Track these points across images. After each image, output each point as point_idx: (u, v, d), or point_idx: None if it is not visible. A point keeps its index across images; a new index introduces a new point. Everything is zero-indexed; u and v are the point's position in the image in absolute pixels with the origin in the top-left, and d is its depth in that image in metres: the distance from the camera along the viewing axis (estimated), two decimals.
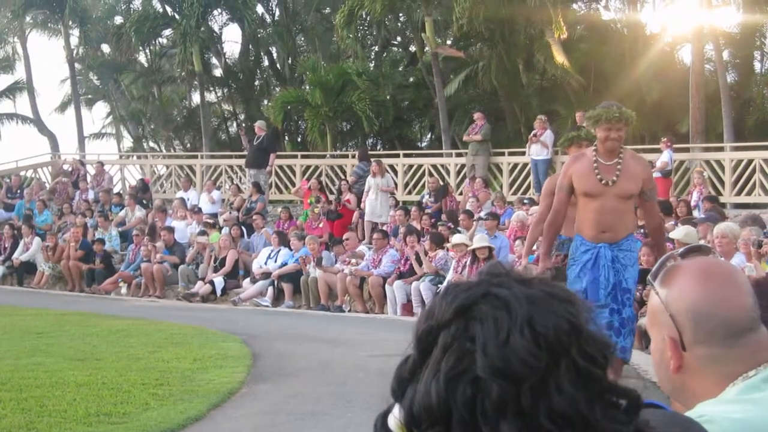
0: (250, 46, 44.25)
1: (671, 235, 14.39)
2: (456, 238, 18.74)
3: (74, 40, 47.22)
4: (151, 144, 49.08)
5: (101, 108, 52.37)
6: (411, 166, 28.89)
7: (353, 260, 20.44)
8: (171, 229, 24.22)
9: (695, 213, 20.22)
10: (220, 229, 24.05)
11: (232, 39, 74.55)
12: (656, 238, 10.51)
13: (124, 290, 23.60)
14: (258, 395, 10.90)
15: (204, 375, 11.74)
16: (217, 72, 45.52)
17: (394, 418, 1.46)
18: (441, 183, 26.22)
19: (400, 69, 42.23)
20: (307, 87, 37.26)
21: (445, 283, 14.92)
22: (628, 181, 9.58)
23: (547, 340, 1.42)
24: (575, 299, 1.50)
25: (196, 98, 45.42)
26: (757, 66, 36.99)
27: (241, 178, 29.70)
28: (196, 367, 12.30)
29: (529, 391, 1.40)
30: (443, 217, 22.74)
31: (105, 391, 10.60)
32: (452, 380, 1.41)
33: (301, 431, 9.26)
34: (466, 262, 17.91)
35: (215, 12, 40.55)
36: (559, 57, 30.77)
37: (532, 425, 1.39)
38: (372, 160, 25.94)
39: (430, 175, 27.47)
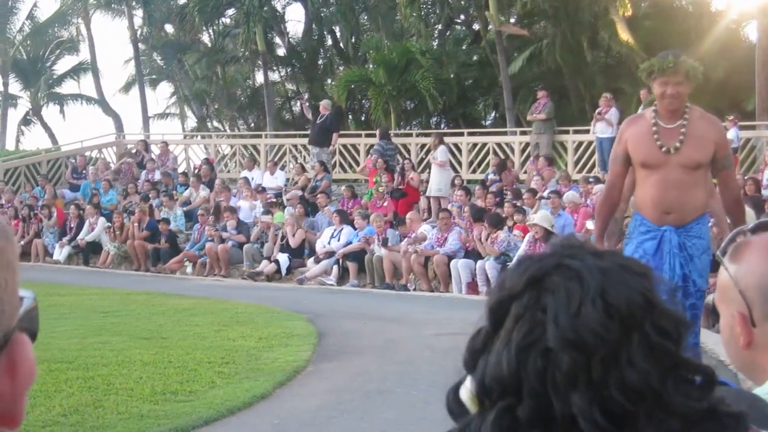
0: (314, 25, 44.27)
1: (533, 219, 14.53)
2: (538, 218, 18.50)
3: (138, 21, 47.61)
4: (215, 124, 49.31)
5: (165, 88, 52.80)
6: (475, 145, 28.73)
7: (418, 247, 20.33)
8: (235, 209, 24.29)
9: (765, 192, 19.97)
10: (284, 208, 24.07)
11: (295, 18, 74.85)
12: (734, 214, 8.34)
13: (189, 269, 23.71)
14: (323, 374, 10.91)
15: (269, 353, 11.76)
16: (281, 51, 45.56)
17: (466, 389, 1.44)
18: (501, 158, 26.23)
19: (464, 47, 42.08)
20: (371, 66, 37.20)
21: (515, 257, 14.85)
22: (694, 148, 7.85)
23: (619, 312, 1.41)
24: (649, 273, 1.48)
25: (259, 78, 45.56)
26: None
27: (305, 157, 29.70)
28: (261, 345, 12.32)
29: (600, 364, 1.38)
30: (507, 194, 22.64)
31: (171, 370, 10.65)
32: (523, 351, 1.39)
33: (367, 409, 9.25)
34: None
35: None
36: (624, 34, 30.52)
37: (603, 397, 1.37)
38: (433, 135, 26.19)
39: (494, 153, 27.35)
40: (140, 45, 47.90)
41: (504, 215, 20.13)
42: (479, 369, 1.42)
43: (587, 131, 26.63)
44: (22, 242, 26.01)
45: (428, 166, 25.70)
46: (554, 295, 1.42)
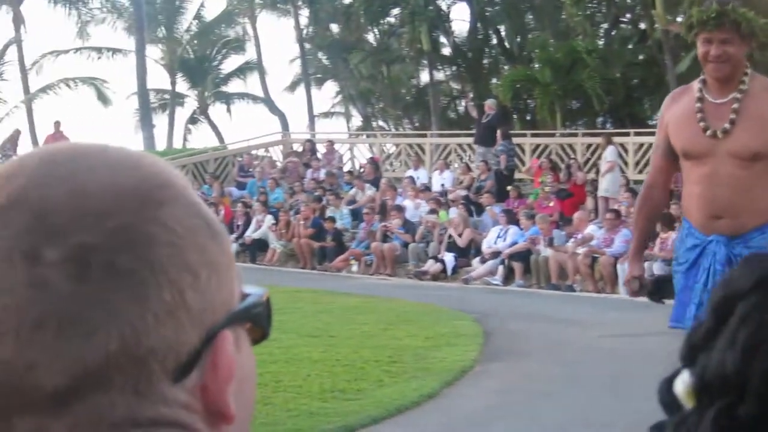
0: (479, 24, 44.17)
1: None
2: None
3: (303, 20, 48.08)
4: (380, 123, 49.56)
5: (330, 87, 53.12)
6: (641, 145, 28.32)
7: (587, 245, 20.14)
8: (402, 208, 24.38)
9: None
10: (449, 207, 24.08)
11: (460, 17, 74.80)
12: None
13: (354, 268, 23.88)
14: (490, 374, 10.89)
15: (437, 353, 11.78)
16: (446, 50, 45.56)
17: (683, 383, 1.40)
18: None
19: (630, 46, 41.51)
20: (536, 65, 36.99)
21: None
22: (750, 131, 5.69)
23: None
24: None
25: (424, 77, 45.63)
26: None
27: (470, 156, 29.65)
28: (428, 344, 12.35)
29: None
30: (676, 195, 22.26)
31: (339, 368, 10.74)
32: (749, 351, 1.32)
33: (534, 410, 9.20)
34: None
35: None
36: None
37: None
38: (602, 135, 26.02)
39: None
40: (306, 44, 48.40)
41: (675, 215, 19.79)
42: (699, 364, 1.38)
43: None
44: None
45: (594, 166, 25.47)
46: None
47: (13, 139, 37.25)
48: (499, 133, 27.05)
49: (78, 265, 0.83)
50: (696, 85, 5.87)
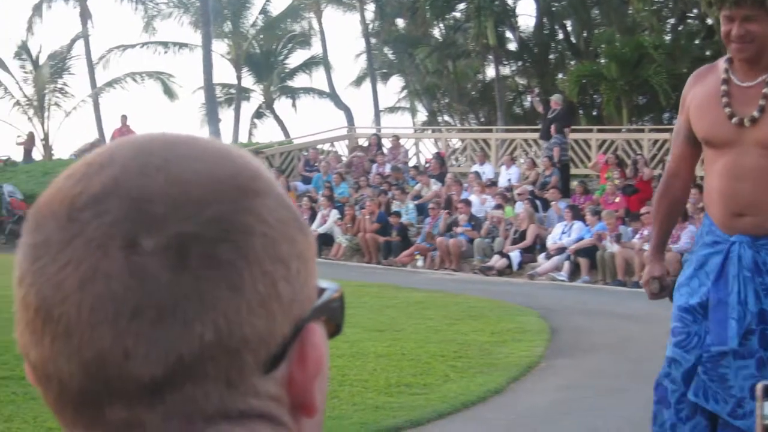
0: (545, 19, 44.00)
1: None
2: None
3: (369, 15, 48.15)
4: (446, 118, 49.52)
5: (396, 82, 53.17)
6: None
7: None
8: (469, 202, 24.36)
9: None
10: (514, 203, 24.05)
11: (526, 12, 74.56)
12: None
13: (420, 263, 23.90)
14: (556, 370, 10.87)
15: (502, 348, 11.78)
16: (512, 46, 45.44)
17: None
18: None
19: (697, 42, 41.18)
20: (603, 60, 36.79)
21: None
22: None
23: None
24: None
25: (490, 72, 45.56)
26: None
27: (536, 151, 29.58)
28: (494, 340, 12.35)
29: None
30: None
31: (405, 362, 10.77)
32: None
33: (600, 407, 9.17)
34: None
35: None
36: None
37: None
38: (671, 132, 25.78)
39: None
40: (371, 39, 48.46)
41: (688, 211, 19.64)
42: None
43: None
44: None
45: (661, 161, 25.32)
46: None
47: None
48: (552, 127, 27.02)
49: (176, 254, 0.84)
50: (722, 64, 5.11)
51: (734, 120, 4.93)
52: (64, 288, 0.84)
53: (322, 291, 0.95)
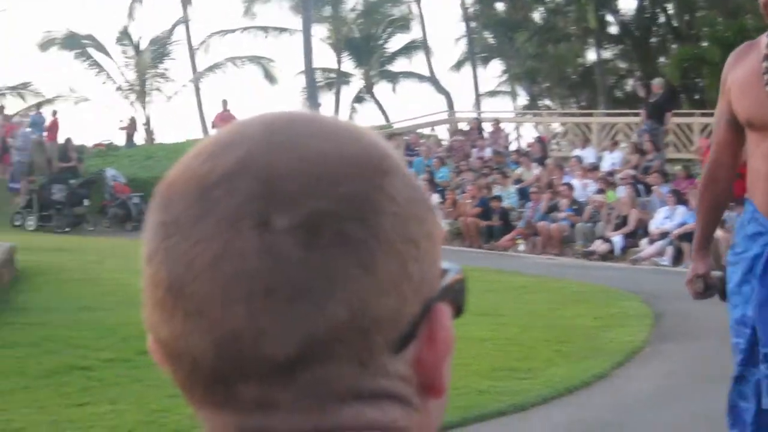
0: (646, 3, 43.56)
1: None
2: None
3: None
4: (546, 102, 49.27)
5: (496, 66, 53.03)
6: None
7: None
8: (570, 186, 24.23)
9: None
10: (616, 187, 23.87)
11: None
12: None
13: (521, 247, 23.84)
14: (661, 355, 10.80)
15: (606, 333, 11.73)
16: (612, 29, 45.07)
17: None
18: None
19: None
20: (705, 44, 36.34)
21: None
22: None
23: None
24: None
25: (590, 56, 45.23)
26: None
27: (637, 135, 29.32)
28: (598, 324, 12.30)
29: None
30: None
31: (509, 347, 10.77)
32: None
33: (705, 393, 9.08)
34: None
35: None
36: None
37: None
38: None
39: None
40: (471, 23, 48.36)
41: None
42: None
43: None
44: None
45: None
46: None
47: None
48: (643, 113, 26.79)
49: (309, 233, 0.83)
50: (765, 39, 4.65)
51: None
52: (196, 266, 0.85)
53: (444, 272, 0.95)
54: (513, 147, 32.08)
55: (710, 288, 5.00)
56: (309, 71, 47.21)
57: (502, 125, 32.76)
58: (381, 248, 0.85)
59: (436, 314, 0.90)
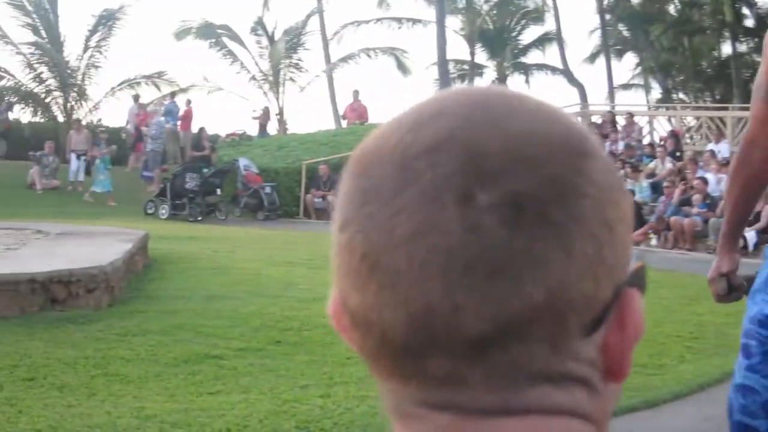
0: None
1: None
2: None
3: None
4: (680, 95, 48.68)
5: (630, 59, 52.50)
6: None
7: None
8: (704, 180, 23.90)
9: None
10: None
11: None
12: None
13: (654, 241, 23.60)
14: None
15: (738, 330, 11.45)
16: (748, 22, 44.35)
17: None
18: None
19: None
20: None
21: None
22: None
23: None
24: None
25: (726, 49, 44.60)
26: None
27: None
28: (730, 321, 12.06)
29: None
30: None
31: (640, 342, 10.62)
32: None
33: None
34: None
35: None
36: None
37: None
38: None
39: None
40: (606, 15, 47.97)
41: None
42: None
43: None
44: None
45: None
46: None
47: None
48: None
49: (511, 212, 0.83)
50: None
51: None
52: (395, 237, 0.84)
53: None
54: (646, 141, 31.71)
55: (735, 290, 4.14)
56: (442, 62, 47.20)
57: (635, 119, 32.43)
58: (579, 232, 0.85)
59: (628, 299, 0.89)
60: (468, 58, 52.02)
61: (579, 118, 25.23)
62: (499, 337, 0.83)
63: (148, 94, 42.42)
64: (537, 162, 0.85)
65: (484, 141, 0.85)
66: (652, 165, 27.27)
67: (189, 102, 38.90)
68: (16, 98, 41.34)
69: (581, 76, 63.42)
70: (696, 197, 23.37)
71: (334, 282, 0.92)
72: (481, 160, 0.84)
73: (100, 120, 42.85)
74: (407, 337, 0.85)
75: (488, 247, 0.82)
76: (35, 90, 42.03)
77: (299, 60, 48.33)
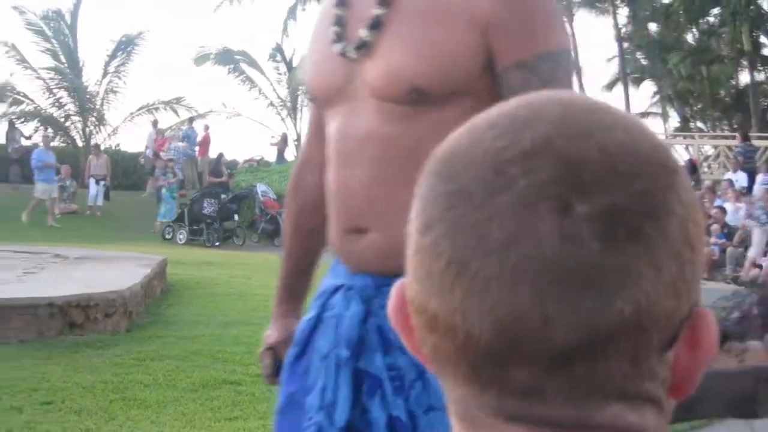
0: None
1: None
2: None
3: (622, 19, 47.67)
4: (698, 124, 48.62)
5: (648, 87, 52.50)
6: None
7: None
8: (723, 210, 23.84)
9: None
10: None
11: None
12: None
13: None
14: None
15: None
16: (766, 51, 44.34)
17: None
18: None
19: None
20: None
21: None
22: None
23: None
24: None
25: (744, 78, 44.54)
26: None
27: None
28: None
29: None
30: None
31: None
32: None
33: None
34: None
35: None
36: None
37: None
38: None
39: None
40: (624, 43, 47.98)
41: None
42: None
43: None
44: None
45: None
46: None
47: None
48: (738, 136, 26.52)
49: (608, 225, 0.82)
50: None
51: None
52: (487, 243, 0.83)
53: None
54: None
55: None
56: None
57: None
58: (667, 248, 0.84)
59: (702, 318, 0.88)
60: None
61: None
62: (585, 351, 0.83)
63: (167, 119, 42.53)
64: (631, 176, 0.84)
65: (580, 151, 0.84)
66: None
67: (207, 127, 38.99)
68: (39, 124, 41.45)
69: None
70: (714, 227, 23.30)
71: (407, 282, 0.91)
72: (578, 171, 0.83)
73: (118, 145, 43.01)
74: (492, 345, 0.84)
75: (582, 258, 0.81)
76: (54, 114, 42.19)
77: None
